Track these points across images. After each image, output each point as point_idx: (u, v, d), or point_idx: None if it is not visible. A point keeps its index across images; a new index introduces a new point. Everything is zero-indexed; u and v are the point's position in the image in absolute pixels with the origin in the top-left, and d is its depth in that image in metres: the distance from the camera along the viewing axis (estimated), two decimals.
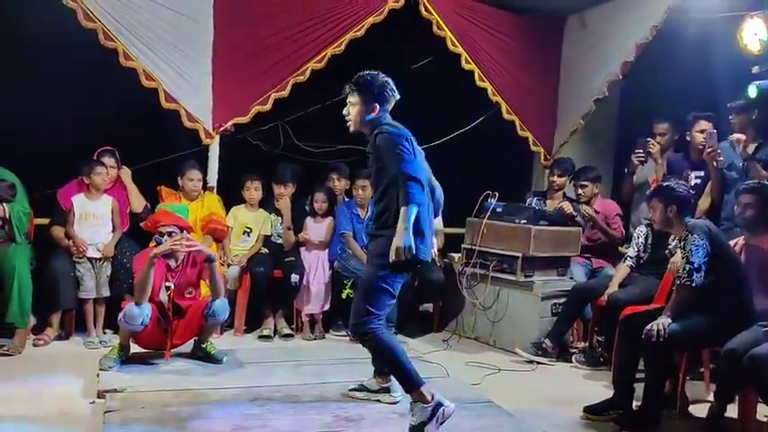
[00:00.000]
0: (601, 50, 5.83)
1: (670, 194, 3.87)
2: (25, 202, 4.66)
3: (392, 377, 3.65)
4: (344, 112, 3.55)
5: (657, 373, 3.69)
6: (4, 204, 4.52)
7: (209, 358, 4.32)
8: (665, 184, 4.07)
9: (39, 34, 4.71)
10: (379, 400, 3.74)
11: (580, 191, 5.57)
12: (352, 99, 3.50)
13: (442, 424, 3.27)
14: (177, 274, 4.23)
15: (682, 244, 3.76)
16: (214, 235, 5.16)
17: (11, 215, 4.53)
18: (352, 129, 3.55)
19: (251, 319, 5.21)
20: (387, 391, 3.76)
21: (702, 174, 4.91)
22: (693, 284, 3.63)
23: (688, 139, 5.06)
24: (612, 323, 4.18)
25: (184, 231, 4.28)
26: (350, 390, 3.81)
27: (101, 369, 4.00)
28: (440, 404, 3.28)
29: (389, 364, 3.51)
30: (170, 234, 4.23)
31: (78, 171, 4.81)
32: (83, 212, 4.73)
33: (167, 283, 4.19)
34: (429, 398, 3.28)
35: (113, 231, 4.84)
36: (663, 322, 3.61)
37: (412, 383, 3.33)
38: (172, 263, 4.24)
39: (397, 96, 3.52)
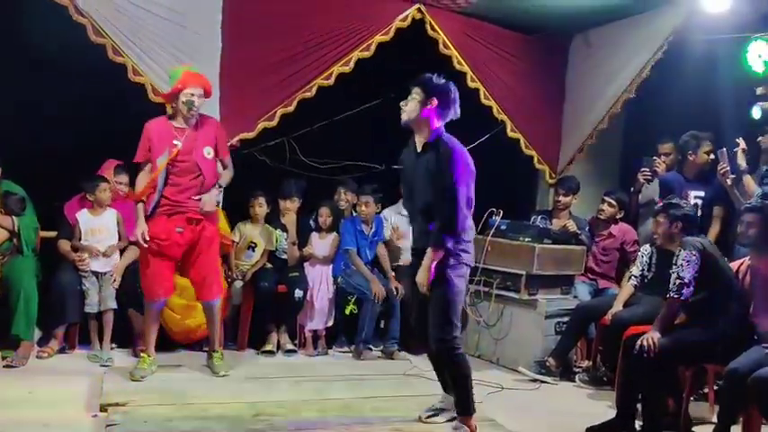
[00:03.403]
0: (605, 70, 5.84)
1: (677, 211, 3.94)
2: (33, 215, 4.69)
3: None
4: (402, 104, 3.61)
5: (656, 391, 3.69)
6: (14, 218, 4.55)
7: (211, 368, 4.40)
8: (673, 201, 4.09)
9: (46, 48, 4.75)
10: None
11: (605, 206, 5.51)
12: (414, 94, 3.58)
13: None
14: (185, 133, 4.24)
15: (674, 259, 3.80)
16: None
17: (20, 228, 4.56)
18: (403, 119, 3.60)
19: (254, 334, 5.20)
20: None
21: (702, 194, 4.93)
22: (683, 298, 3.71)
23: (691, 158, 5.08)
24: (616, 343, 4.17)
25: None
26: (426, 417, 3.76)
27: (133, 379, 4.10)
28: None
29: (460, 383, 3.59)
30: (199, 97, 4.21)
31: (81, 187, 4.82)
32: (88, 228, 4.74)
33: (175, 141, 4.20)
34: (474, 428, 3.54)
35: (120, 241, 4.85)
36: (652, 336, 3.64)
37: (468, 409, 3.57)
38: (178, 122, 4.25)
39: (458, 111, 3.62)
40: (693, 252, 3.71)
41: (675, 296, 3.72)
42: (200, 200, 4.25)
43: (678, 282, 3.71)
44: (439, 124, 3.59)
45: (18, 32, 4.82)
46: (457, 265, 3.53)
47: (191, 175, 4.25)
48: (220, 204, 4.60)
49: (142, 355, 4.35)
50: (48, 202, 4.90)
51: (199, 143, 4.28)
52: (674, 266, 3.78)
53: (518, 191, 6.58)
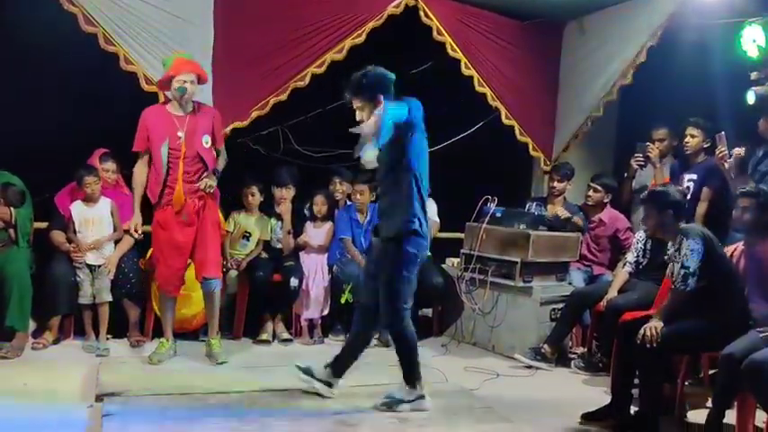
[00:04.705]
0: (600, 56, 5.83)
1: (665, 199, 3.86)
2: (30, 207, 4.67)
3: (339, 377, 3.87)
4: (359, 118, 3.59)
5: (653, 377, 3.69)
6: (12, 209, 4.53)
7: (210, 355, 4.41)
8: (658, 189, 4.07)
9: (38, 38, 4.72)
10: (317, 391, 3.83)
11: (591, 192, 5.54)
12: (358, 104, 3.58)
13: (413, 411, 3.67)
14: (185, 121, 4.26)
15: (677, 248, 3.76)
16: None
17: (17, 220, 4.54)
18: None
19: (250, 323, 5.20)
20: (329, 385, 3.85)
21: (695, 177, 4.94)
22: (688, 289, 3.64)
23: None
24: (611, 329, 4.18)
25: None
26: (296, 364, 3.90)
27: (151, 363, 4.20)
28: (422, 396, 3.70)
29: (405, 356, 3.71)
30: (191, 83, 4.22)
31: (72, 177, 4.79)
32: (82, 219, 4.71)
33: (179, 133, 4.22)
34: (419, 389, 3.69)
35: (114, 233, 4.81)
36: (655, 325, 3.62)
37: (412, 379, 3.70)
38: (175, 110, 4.27)
39: (392, 76, 3.59)
40: (698, 240, 3.65)
41: (682, 287, 3.64)
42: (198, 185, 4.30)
43: (683, 272, 3.63)
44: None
45: (7, 22, 4.78)
46: (413, 243, 3.56)
47: (191, 163, 4.28)
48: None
49: (161, 340, 4.43)
50: (38, 192, 4.87)
51: (198, 132, 4.31)
52: (677, 255, 3.72)
53: (513, 178, 6.59)
